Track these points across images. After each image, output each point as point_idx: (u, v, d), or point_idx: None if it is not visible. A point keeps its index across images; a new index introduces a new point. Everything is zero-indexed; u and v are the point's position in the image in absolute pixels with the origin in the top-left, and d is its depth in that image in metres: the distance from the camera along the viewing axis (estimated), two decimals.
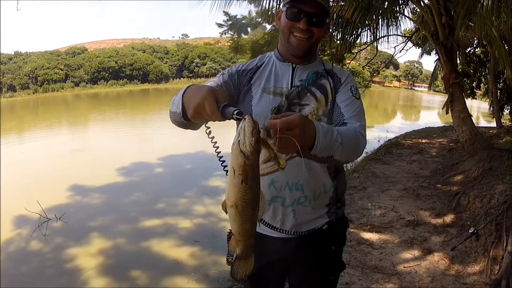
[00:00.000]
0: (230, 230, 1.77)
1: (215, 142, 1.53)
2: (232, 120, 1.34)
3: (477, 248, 4.68)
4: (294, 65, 1.89)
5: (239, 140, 1.19)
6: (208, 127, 1.52)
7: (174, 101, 1.62)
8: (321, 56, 9.81)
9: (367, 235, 5.35)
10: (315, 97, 1.84)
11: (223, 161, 1.56)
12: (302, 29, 1.74)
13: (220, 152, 1.56)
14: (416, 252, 4.83)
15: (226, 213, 1.31)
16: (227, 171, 1.43)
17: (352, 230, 5.52)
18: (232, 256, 1.49)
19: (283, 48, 1.90)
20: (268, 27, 11.56)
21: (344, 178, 2.07)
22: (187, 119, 1.52)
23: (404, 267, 4.48)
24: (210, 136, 1.52)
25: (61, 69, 67.09)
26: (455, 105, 8.13)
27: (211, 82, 1.89)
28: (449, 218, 5.81)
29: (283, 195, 1.85)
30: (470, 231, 4.83)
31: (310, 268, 2.01)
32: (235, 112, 1.29)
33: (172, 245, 6.45)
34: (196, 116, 1.41)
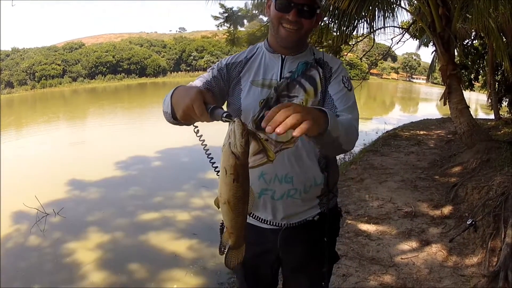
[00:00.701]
0: (223, 221, 1.81)
1: (203, 141, 1.55)
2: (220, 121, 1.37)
3: (475, 240, 4.68)
4: (283, 56, 1.86)
5: (229, 142, 1.23)
6: (196, 126, 1.56)
7: (165, 101, 1.66)
8: (318, 47, 9.84)
9: (364, 227, 5.35)
10: (304, 89, 1.81)
11: (212, 158, 1.57)
12: (291, 20, 1.71)
13: (208, 149, 1.57)
14: (413, 244, 4.83)
15: (219, 208, 1.36)
16: (215, 167, 1.50)
17: (349, 222, 5.52)
18: (225, 247, 1.58)
19: (272, 38, 1.87)
20: (265, 19, 11.53)
21: (336, 168, 2.08)
22: (177, 119, 1.56)
23: (402, 258, 4.48)
24: (198, 135, 1.55)
25: (59, 65, 67.05)
26: (452, 96, 8.12)
27: (201, 77, 1.90)
28: (447, 210, 5.81)
29: (273, 188, 1.85)
30: (468, 222, 4.82)
31: (302, 259, 2.01)
32: (224, 115, 1.32)
33: (170, 238, 6.46)
34: (185, 117, 1.44)
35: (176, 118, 1.55)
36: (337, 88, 1.81)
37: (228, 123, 1.31)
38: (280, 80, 1.83)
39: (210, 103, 1.38)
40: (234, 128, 1.23)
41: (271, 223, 1.90)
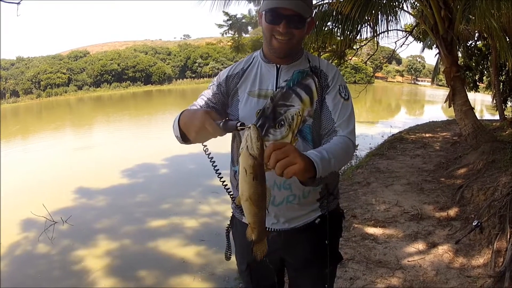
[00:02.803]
0: (228, 225, 2.10)
1: (212, 158, 1.76)
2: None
3: (481, 241, 4.69)
4: (278, 66, 1.89)
5: (247, 146, 1.35)
6: (205, 145, 1.74)
7: (173, 127, 1.78)
8: (322, 53, 9.86)
9: (371, 230, 5.37)
10: (300, 98, 1.85)
11: (220, 174, 1.78)
12: (282, 32, 1.74)
13: (216, 165, 1.78)
14: (420, 246, 4.84)
15: (239, 206, 1.53)
16: (224, 184, 1.82)
17: (356, 225, 5.54)
18: (230, 251, 1.98)
19: (266, 49, 1.90)
20: None
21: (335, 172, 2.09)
22: (186, 141, 1.72)
23: (408, 261, 4.49)
24: (207, 153, 1.76)
25: (64, 73, 67.18)
26: (457, 98, 8.14)
27: (202, 96, 1.99)
28: (453, 212, 5.82)
29: (272, 194, 1.88)
30: (474, 224, 4.83)
31: (304, 261, 2.05)
32: (238, 124, 1.49)
33: (178, 245, 6.50)
34: (199, 138, 1.61)
35: (186, 140, 1.71)
36: (334, 100, 1.84)
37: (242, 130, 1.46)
38: (276, 90, 1.87)
39: (218, 119, 1.53)
40: (251, 133, 1.35)
41: (274, 228, 1.96)
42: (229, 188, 1.96)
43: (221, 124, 1.51)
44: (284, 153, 1.34)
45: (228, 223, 2.18)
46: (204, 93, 2.00)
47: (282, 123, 1.84)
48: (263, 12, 1.78)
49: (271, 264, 2.06)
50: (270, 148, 1.35)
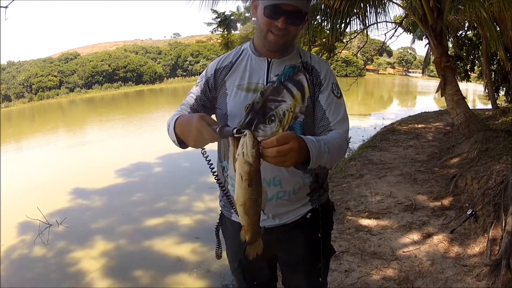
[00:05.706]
0: (218, 223, 2.15)
1: (209, 160, 1.78)
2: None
3: (476, 230, 4.70)
4: (269, 60, 1.86)
5: (243, 152, 1.38)
6: (203, 148, 1.73)
7: (169, 132, 1.79)
8: (312, 46, 9.85)
9: (365, 222, 5.37)
10: (291, 94, 1.82)
11: (217, 175, 1.87)
12: (280, 27, 1.71)
13: (215, 170, 1.84)
14: (415, 237, 4.84)
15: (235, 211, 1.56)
16: (221, 186, 1.96)
17: (350, 218, 5.54)
18: (220, 249, 2.09)
19: (259, 42, 1.86)
20: None
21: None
22: (183, 145, 1.74)
23: (404, 251, 4.49)
24: (205, 155, 1.77)
25: (55, 76, 66.85)
26: (448, 88, 8.14)
27: (191, 94, 1.97)
28: (447, 201, 5.82)
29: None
30: (468, 212, 4.83)
31: (297, 257, 2.04)
32: (235, 131, 1.46)
33: (174, 243, 6.49)
34: (198, 145, 1.60)
35: (183, 144, 1.72)
36: (328, 99, 1.83)
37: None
38: (266, 84, 1.83)
39: (213, 124, 1.53)
40: (246, 140, 1.38)
41: (264, 224, 1.91)
42: (226, 190, 1.98)
43: (217, 129, 1.51)
44: (283, 155, 1.37)
45: (217, 221, 2.18)
46: (192, 90, 1.97)
47: (273, 118, 1.81)
48: (262, 6, 1.73)
49: (263, 261, 2.05)
50: (273, 143, 1.37)
